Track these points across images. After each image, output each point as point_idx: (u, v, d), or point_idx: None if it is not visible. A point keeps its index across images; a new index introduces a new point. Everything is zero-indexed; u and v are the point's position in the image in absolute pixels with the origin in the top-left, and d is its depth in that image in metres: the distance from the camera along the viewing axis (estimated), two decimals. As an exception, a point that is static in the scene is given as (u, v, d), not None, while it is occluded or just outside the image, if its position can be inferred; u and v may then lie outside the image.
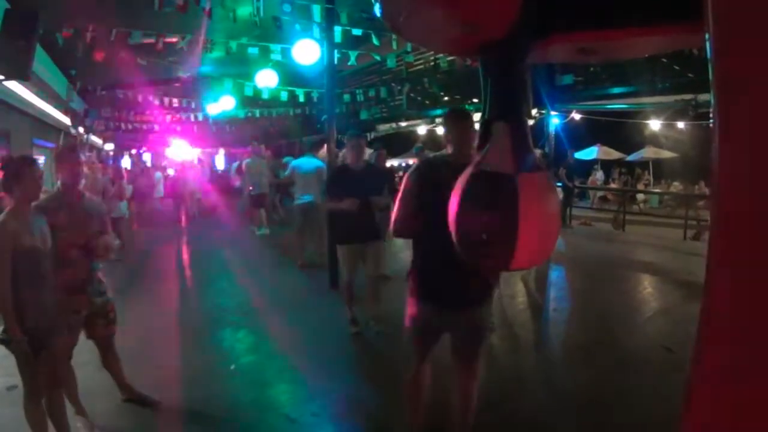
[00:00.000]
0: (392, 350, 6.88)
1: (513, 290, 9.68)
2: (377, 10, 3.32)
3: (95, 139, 28.85)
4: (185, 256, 13.83)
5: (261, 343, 7.32)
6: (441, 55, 15.51)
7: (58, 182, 4.76)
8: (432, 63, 19.95)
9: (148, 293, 9.09)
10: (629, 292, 10.09)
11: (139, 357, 6.18)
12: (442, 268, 3.85)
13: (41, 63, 12.22)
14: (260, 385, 5.97)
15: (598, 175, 30.47)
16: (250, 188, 16.58)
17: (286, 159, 17.33)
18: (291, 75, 16.35)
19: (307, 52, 11.15)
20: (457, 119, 4.10)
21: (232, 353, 7.02)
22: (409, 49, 14.57)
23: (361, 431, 5.15)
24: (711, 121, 1.60)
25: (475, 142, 3.62)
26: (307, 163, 11.18)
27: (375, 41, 11.84)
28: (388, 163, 17.46)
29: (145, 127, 27.11)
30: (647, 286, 10.51)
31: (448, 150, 4.03)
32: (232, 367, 6.43)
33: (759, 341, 1.42)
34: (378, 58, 14.64)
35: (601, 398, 5.62)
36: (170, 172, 28.13)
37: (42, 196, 4.33)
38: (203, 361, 6.57)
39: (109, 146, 35.39)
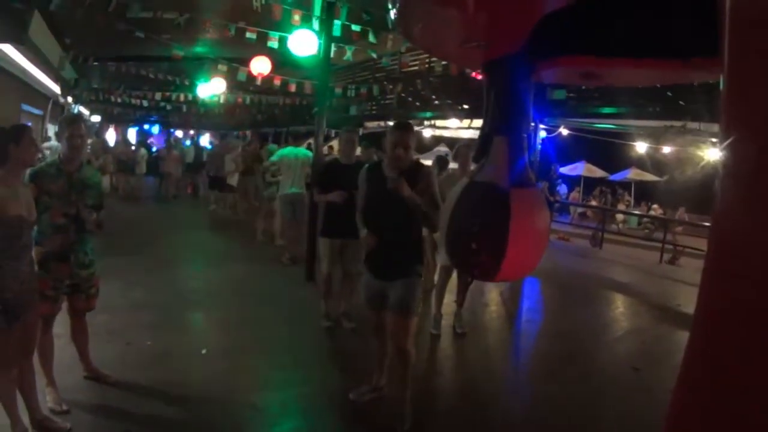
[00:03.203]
0: (363, 346, 6.93)
1: (487, 298, 9.74)
2: (392, 15, 3.36)
3: (82, 110, 28.69)
4: (163, 235, 13.75)
5: (233, 330, 7.31)
6: (437, 59, 15.53)
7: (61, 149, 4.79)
8: (427, 66, 19.98)
9: (123, 269, 9.03)
10: (601, 310, 10.18)
11: (109, 332, 6.19)
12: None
13: (36, 27, 12.12)
14: (229, 372, 5.94)
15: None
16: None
17: (270, 147, 17.52)
18: (285, 64, 16.31)
19: (304, 43, 11.10)
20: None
21: (203, 337, 7.03)
22: (404, 50, 14.59)
23: (327, 424, 5.17)
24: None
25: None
26: (293, 153, 11.14)
27: (372, 38, 11.83)
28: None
29: (134, 102, 26.93)
30: (619, 305, 10.59)
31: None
32: (204, 351, 6.41)
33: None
34: (374, 55, 14.65)
35: (564, 411, 5.68)
36: (154, 149, 28.11)
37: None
38: (173, 342, 6.57)
39: (96, 118, 35.19)
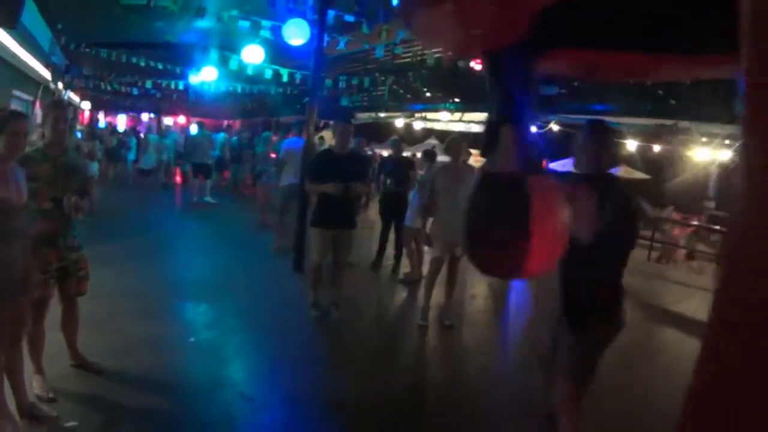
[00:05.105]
0: (351, 335, 6.97)
1: (475, 291, 9.75)
2: (394, 1, 3.32)
3: (73, 96, 28.54)
4: (152, 224, 13.68)
5: (222, 319, 7.30)
6: (429, 51, 15.52)
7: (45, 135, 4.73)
8: (419, 58, 19.97)
9: (111, 257, 8.92)
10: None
11: (96, 320, 6.09)
12: None
13: (27, 13, 11.99)
14: (218, 361, 5.95)
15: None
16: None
17: (266, 134, 17.48)
18: (276, 53, 16.27)
19: (297, 31, 11.05)
20: None
21: (191, 326, 7.00)
22: (398, 42, 14.56)
23: (317, 413, 5.16)
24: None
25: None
26: (298, 143, 10.89)
27: (365, 29, 11.81)
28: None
29: (124, 89, 26.84)
30: (607, 302, 10.59)
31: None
32: (191, 339, 6.40)
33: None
34: (367, 46, 14.62)
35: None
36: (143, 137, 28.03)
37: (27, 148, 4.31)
38: (161, 330, 6.53)
39: (86, 105, 35.02)
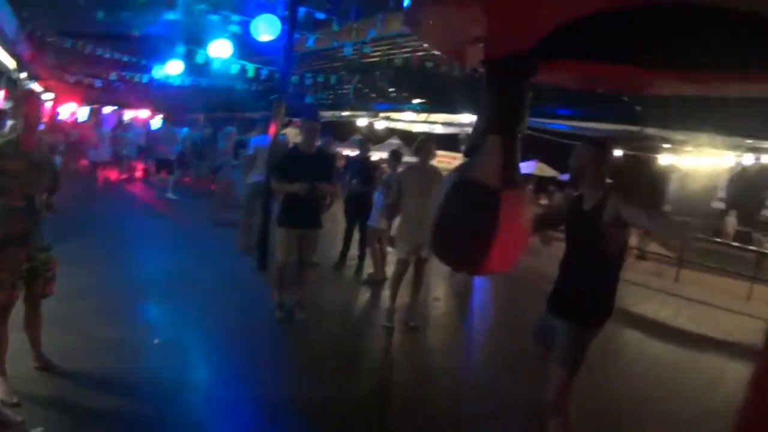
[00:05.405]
0: (316, 336, 6.93)
1: (439, 292, 9.80)
2: (405, 2, 3.31)
3: (36, 87, 28.05)
4: (114, 221, 13.43)
5: (186, 320, 7.18)
6: (398, 50, 15.51)
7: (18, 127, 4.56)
8: (387, 57, 19.97)
9: (72, 254, 8.64)
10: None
11: (59, 320, 5.94)
12: None
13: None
14: (182, 362, 5.87)
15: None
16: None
17: (227, 129, 17.37)
18: (242, 48, 16.17)
19: (267, 27, 10.94)
20: None
21: (155, 326, 6.88)
22: (367, 40, 14.52)
23: (282, 414, 5.13)
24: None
25: None
26: (266, 140, 10.50)
27: (336, 27, 11.79)
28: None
29: (87, 81, 26.46)
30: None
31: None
32: (156, 341, 6.30)
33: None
34: (336, 44, 14.58)
35: (517, 405, 5.72)
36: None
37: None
38: (125, 331, 6.38)
39: (48, 96, 34.41)
